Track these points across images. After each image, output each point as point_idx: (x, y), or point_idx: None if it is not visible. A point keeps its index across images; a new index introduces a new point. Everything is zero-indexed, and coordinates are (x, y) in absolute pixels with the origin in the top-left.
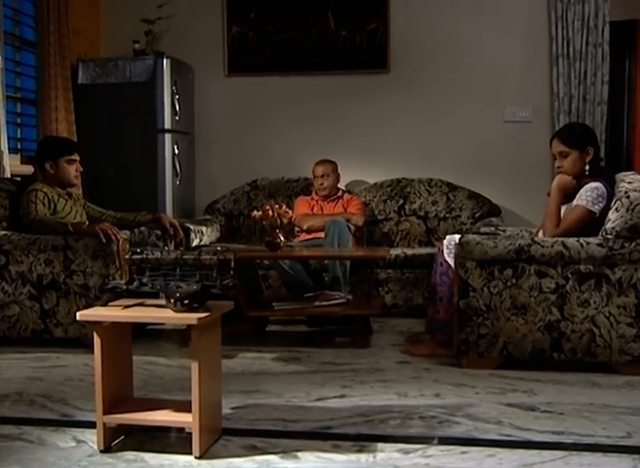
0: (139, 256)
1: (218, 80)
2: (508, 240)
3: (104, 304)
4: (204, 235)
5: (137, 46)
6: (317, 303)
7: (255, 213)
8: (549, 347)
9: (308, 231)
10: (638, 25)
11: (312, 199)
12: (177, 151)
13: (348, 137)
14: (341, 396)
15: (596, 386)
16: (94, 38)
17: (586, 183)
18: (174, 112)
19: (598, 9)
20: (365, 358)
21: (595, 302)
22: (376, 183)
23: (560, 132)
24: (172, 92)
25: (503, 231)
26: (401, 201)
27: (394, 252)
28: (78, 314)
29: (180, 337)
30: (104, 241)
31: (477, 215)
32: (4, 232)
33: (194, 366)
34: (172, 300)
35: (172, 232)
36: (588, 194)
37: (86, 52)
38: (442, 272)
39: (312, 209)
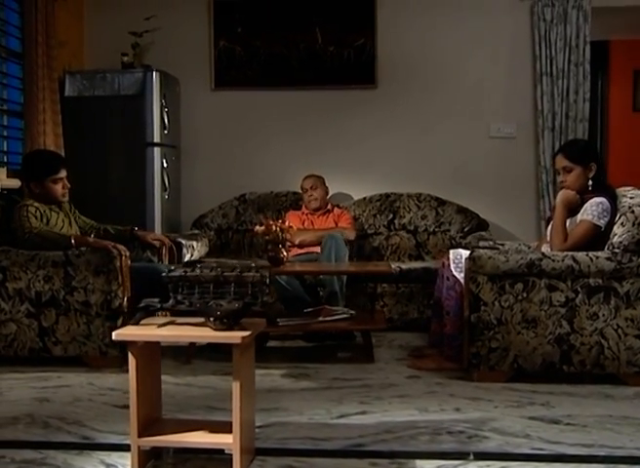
0: (176, 274)
1: (204, 94)
2: (519, 254)
3: (136, 323)
4: (195, 250)
5: (125, 59)
6: (321, 318)
7: (257, 228)
8: (559, 360)
9: (300, 246)
10: (610, 46)
11: (303, 213)
12: (165, 165)
13: (336, 152)
14: (363, 412)
15: (609, 398)
16: (78, 50)
17: (590, 198)
18: (162, 126)
19: (579, 29)
20: (373, 373)
21: (604, 315)
22: (365, 198)
23: (564, 147)
24: (161, 105)
25: (502, 245)
26: (391, 215)
27: None
28: (114, 333)
29: (175, 355)
30: (114, 252)
31: (466, 230)
32: (1, 248)
33: (236, 385)
34: (212, 319)
35: (158, 245)
36: (594, 209)
37: (70, 64)
38: (449, 286)
39: (303, 223)
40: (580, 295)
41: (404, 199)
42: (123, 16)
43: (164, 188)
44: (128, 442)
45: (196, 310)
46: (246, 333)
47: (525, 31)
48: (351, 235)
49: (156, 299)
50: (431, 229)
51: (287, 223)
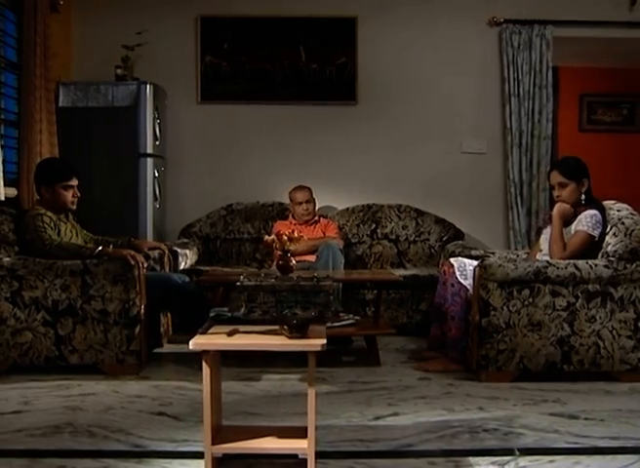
0: (252, 283)
1: (190, 106)
2: (527, 262)
3: (204, 332)
4: (188, 258)
5: (119, 71)
6: (329, 324)
7: (267, 237)
8: (560, 360)
9: (292, 255)
10: (559, 72)
11: (291, 223)
12: (156, 175)
13: (319, 164)
14: (395, 414)
15: (609, 394)
16: (66, 62)
17: (583, 211)
18: (154, 137)
19: (542, 55)
20: (385, 376)
21: (600, 318)
22: (348, 208)
23: (559, 164)
24: (154, 117)
25: (493, 253)
26: (373, 225)
27: None
28: (192, 343)
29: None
30: (132, 263)
31: (444, 239)
32: (18, 257)
33: (311, 392)
34: (287, 327)
35: (155, 254)
36: (588, 220)
37: (60, 75)
38: (454, 292)
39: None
40: (579, 300)
41: (385, 209)
42: (110, 29)
43: (155, 198)
44: (184, 449)
45: (271, 319)
46: (324, 341)
47: (494, 55)
48: (340, 244)
49: (225, 308)
50: (412, 238)
51: (295, 233)
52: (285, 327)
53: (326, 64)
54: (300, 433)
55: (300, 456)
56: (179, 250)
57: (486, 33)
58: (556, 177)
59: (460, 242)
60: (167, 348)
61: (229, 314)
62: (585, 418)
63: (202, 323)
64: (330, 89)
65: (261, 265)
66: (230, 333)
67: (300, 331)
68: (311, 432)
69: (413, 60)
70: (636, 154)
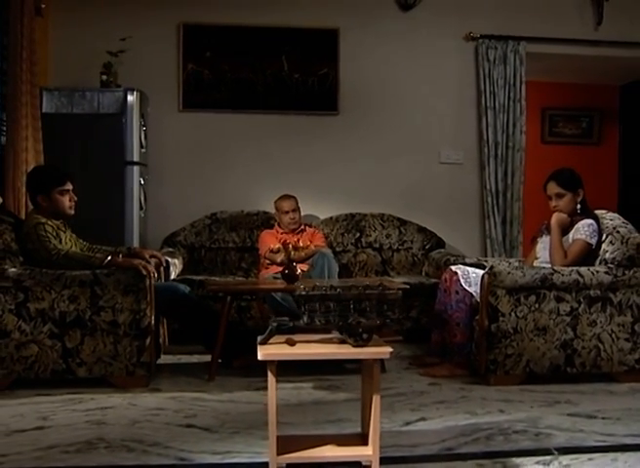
0: (317, 293)
1: (172, 114)
2: (534, 269)
3: (264, 342)
4: (176, 267)
5: (104, 77)
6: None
7: (272, 246)
8: (564, 362)
9: (281, 264)
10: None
11: (277, 232)
12: (142, 183)
13: (301, 173)
14: (422, 419)
15: (612, 394)
16: (43, 67)
17: (579, 220)
18: (140, 144)
19: (516, 70)
20: (395, 382)
21: (601, 322)
22: (332, 217)
23: (555, 176)
24: (140, 124)
25: (486, 261)
26: (357, 234)
27: None
28: (261, 353)
29: (179, 371)
30: (144, 274)
31: (427, 247)
32: (24, 267)
33: (376, 399)
34: (351, 335)
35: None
36: (586, 229)
37: (38, 81)
38: (459, 299)
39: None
40: (582, 305)
41: (368, 219)
42: (90, 35)
43: (140, 207)
44: (230, 460)
45: (336, 327)
46: (390, 348)
47: (471, 69)
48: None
49: (285, 318)
50: (395, 247)
51: (301, 242)
52: (350, 335)
53: (308, 75)
54: (357, 440)
55: (363, 463)
56: (169, 259)
57: (463, 48)
58: (553, 188)
59: (443, 250)
60: (165, 359)
61: (291, 324)
62: (603, 418)
63: (208, 332)
64: (312, 99)
65: (247, 274)
66: (290, 343)
67: (365, 339)
68: (375, 438)
69: (393, 73)
70: (594, 165)
